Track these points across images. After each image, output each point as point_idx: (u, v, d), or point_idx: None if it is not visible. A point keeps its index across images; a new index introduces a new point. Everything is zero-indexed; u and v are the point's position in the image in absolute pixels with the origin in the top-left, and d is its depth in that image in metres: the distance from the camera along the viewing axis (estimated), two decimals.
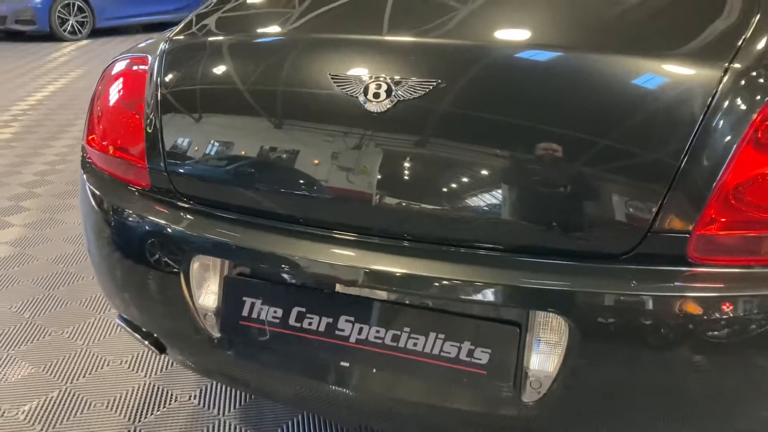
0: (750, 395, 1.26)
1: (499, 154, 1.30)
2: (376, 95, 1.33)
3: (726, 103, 1.22)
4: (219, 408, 2.10)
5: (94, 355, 2.39)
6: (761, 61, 1.26)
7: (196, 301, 1.49)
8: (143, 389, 2.20)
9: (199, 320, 1.50)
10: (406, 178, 1.34)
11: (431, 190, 1.32)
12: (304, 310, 1.40)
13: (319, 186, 1.40)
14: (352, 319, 1.37)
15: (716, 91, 1.23)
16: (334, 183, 1.38)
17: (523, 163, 1.29)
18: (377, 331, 1.36)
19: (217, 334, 1.49)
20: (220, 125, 1.50)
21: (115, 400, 2.15)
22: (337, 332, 1.38)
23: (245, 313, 1.44)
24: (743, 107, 1.22)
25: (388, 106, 1.33)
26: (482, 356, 1.30)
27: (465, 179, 1.31)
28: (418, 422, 1.42)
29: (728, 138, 1.22)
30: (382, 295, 1.35)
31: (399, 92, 1.32)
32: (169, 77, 1.58)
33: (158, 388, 2.21)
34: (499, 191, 1.30)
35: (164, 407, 2.11)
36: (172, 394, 2.17)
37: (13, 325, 2.58)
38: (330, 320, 1.38)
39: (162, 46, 1.66)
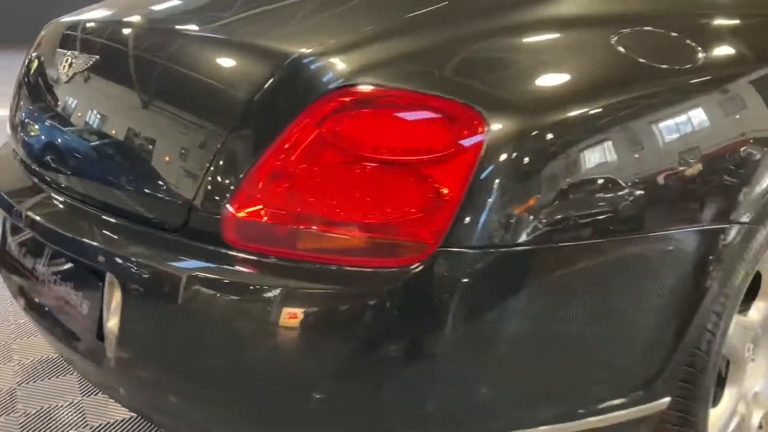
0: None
1: (102, 122, 1.43)
2: (64, 68, 1.53)
3: (278, 90, 1.20)
4: None
5: None
6: (338, 57, 1.20)
7: None
8: None
9: None
10: (57, 139, 1.51)
11: (65, 148, 1.50)
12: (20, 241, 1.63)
13: (30, 138, 1.64)
14: (34, 257, 1.56)
15: (273, 75, 1.20)
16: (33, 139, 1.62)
17: (103, 131, 1.42)
18: (44, 271, 1.53)
19: None
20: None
21: None
22: (34, 268, 1.58)
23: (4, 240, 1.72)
24: (297, 96, 1.18)
25: (69, 77, 1.51)
26: (85, 307, 1.40)
27: (80, 141, 1.46)
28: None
29: (272, 126, 1.18)
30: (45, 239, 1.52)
31: (75, 65, 1.50)
32: None
33: None
34: (92, 152, 1.44)
35: None
36: None
37: None
38: (30, 257, 1.59)
39: None
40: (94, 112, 1.44)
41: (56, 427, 2.03)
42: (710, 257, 1.30)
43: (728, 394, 1.57)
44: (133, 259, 1.27)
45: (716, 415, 1.55)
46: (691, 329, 1.34)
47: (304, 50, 1.20)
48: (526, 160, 1.11)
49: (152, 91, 1.37)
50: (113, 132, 1.40)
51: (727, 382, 1.57)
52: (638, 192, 1.20)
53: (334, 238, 1.13)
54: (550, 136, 1.14)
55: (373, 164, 1.12)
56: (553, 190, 1.13)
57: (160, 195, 1.30)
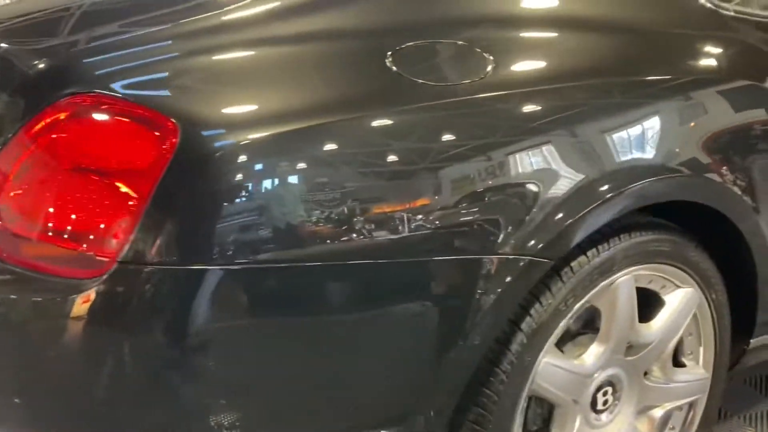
0: None
1: None
2: None
3: (17, 95, 1.24)
4: None
5: None
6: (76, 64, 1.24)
7: None
8: None
9: None
10: None
11: None
12: None
13: None
14: None
15: (19, 80, 1.25)
16: None
17: None
18: None
19: None
20: None
21: None
22: None
23: None
24: (30, 103, 1.20)
25: None
26: None
27: None
28: None
29: (8, 131, 1.20)
30: None
31: None
32: None
33: None
34: None
35: None
36: None
37: None
38: None
39: None
40: None
41: None
42: (471, 291, 1.19)
43: None
44: None
45: None
46: (460, 367, 1.24)
47: (48, 57, 1.21)
48: (214, 178, 1.06)
49: None
50: None
51: (552, 428, 1.44)
52: (360, 216, 1.10)
53: (41, 247, 1.13)
54: (245, 155, 1.08)
55: (77, 173, 1.12)
56: (242, 210, 1.07)
57: None
